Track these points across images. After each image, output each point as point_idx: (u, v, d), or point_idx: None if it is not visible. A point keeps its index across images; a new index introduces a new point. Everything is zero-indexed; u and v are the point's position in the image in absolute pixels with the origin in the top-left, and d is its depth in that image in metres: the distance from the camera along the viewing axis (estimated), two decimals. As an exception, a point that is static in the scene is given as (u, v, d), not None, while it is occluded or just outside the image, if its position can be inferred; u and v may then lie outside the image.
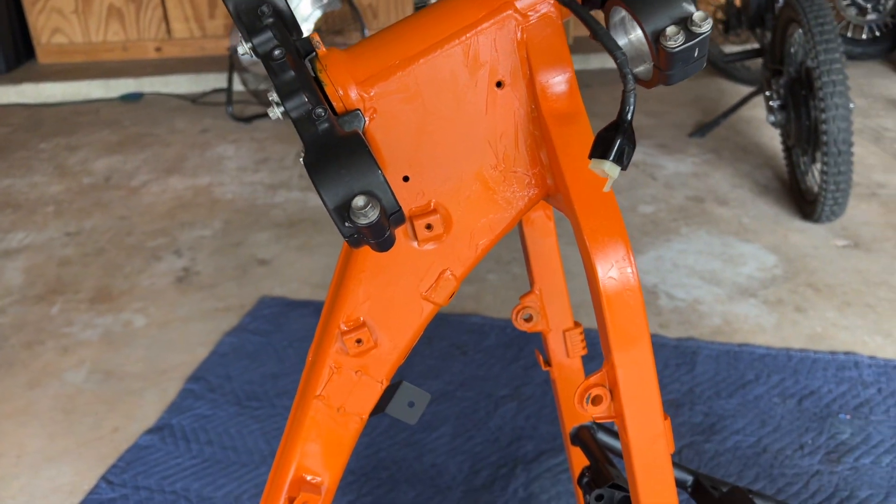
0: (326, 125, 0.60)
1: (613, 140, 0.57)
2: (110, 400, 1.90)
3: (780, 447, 1.68)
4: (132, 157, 3.41)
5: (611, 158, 0.56)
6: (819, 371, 1.91)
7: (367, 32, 3.73)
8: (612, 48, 0.58)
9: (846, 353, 1.97)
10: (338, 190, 0.56)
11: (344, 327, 0.72)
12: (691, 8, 0.57)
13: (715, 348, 2.01)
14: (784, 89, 2.64)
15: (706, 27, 0.56)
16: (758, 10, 3.07)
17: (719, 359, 1.97)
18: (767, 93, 2.75)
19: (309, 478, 0.75)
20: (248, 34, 0.65)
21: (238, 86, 3.87)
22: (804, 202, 2.64)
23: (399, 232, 0.71)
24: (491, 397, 1.87)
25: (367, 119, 0.66)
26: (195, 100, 4.12)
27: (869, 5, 4.30)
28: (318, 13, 3.59)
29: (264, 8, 0.65)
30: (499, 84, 0.68)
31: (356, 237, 0.58)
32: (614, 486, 0.85)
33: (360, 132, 0.63)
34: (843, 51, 2.32)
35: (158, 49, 4.57)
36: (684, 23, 0.56)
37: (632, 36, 0.63)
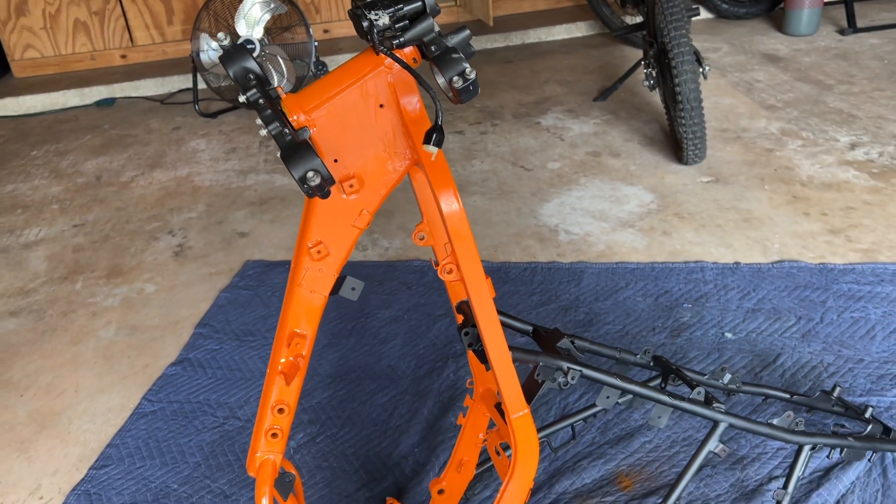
0: (290, 137, 1.18)
1: (432, 134, 1.15)
2: (139, 346, 2.47)
3: (638, 330, 2.32)
4: (117, 157, 3.92)
5: (432, 143, 1.15)
6: (673, 277, 2.55)
7: (311, 29, 4.25)
8: (427, 89, 1.17)
9: (695, 262, 2.61)
10: (299, 169, 1.14)
11: (310, 245, 1.31)
12: (466, 65, 1.15)
13: (598, 267, 2.63)
14: (654, 58, 3.25)
15: (473, 76, 1.14)
16: (636, -9, 3.67)
17: (600, 274, 2.59)
18: (644, 61, 3.36)
19: (298, 330, 1.35)
20: (243, 90, 1.22)
21: (202, 85, 4.38)
22: (679, 149, 3.27)
23: (336, 190, 1.29)
24: (430, 317, 2.47)
25: (311, 131, 1.24)
26: (163, 101, 4.62)
27: (750, -29, 4.93)
28: (267, 16, 4.12)
29: (250, 75, 1.23)
30: (381, 105, 1.26)
31: (310, 193, 1.16)
32: (473, 325, 1.46)
33: (308, 139, 1.21)
34: (689, 27, 2.93)
35: (124, 56, 5.03)
36: (462, 73, 1.15)
37: (440, 79, 1.21)
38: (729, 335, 2.26)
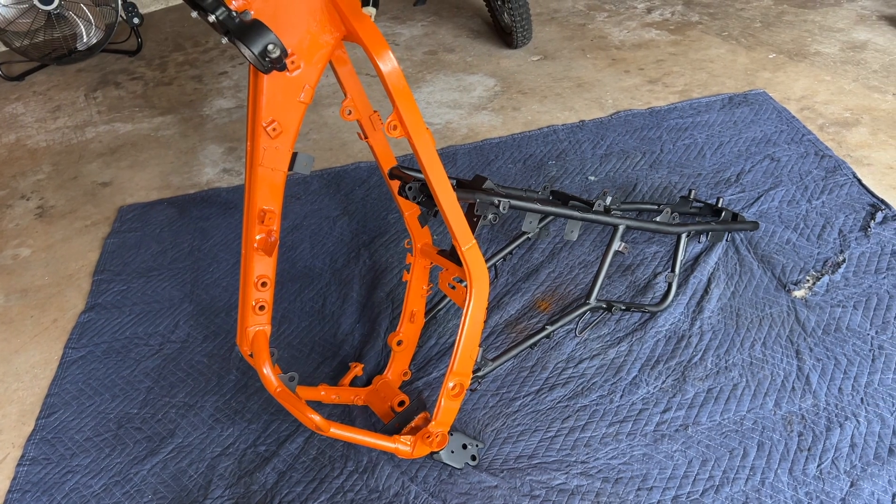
0: (238, 20, 1.28)
1: (370, -3, 1.30)
2: (38, 305, 2.40)
3: (517, 190, 2.61)
4: (-77, 136, 3.56)
5: (370, 4, 1.30)
6: (533, 142, 2.85)
7: (111, -29, 4.01)
8: (358, -43, 1.31)
9: (548, 127, 2.93)
10: (258, 45, 1.25)
11: (265, 125, 1.42)
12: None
13: (466, 147, 2.88)
14: (471, -47, 3.47)
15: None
16: None
17: (471, 153, 2.85)
18: (460, -42, 3.58)
19: (266, 207, 1.47)
20: (180, -17, 1.29)
21: (0, 47, 4.02)
22: (506, 35, 3.56)
23: (282, 73, 1.40)
24: (329, 218, 2.61)
25: (251, 13, 1.33)
26: (-47, 72, 4.19)
27: None
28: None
29: (184, -32, 1.29)
30: (308, -16, 1.38)
31: (270, 67, 1.28)
32: (415, 180, 1.65)
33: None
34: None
35: None
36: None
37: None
38: (592, 178, 2.61)
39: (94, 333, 2.25)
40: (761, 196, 2.37)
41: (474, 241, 1.59)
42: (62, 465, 1.86)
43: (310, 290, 2.30)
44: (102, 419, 1.96)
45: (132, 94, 3.69)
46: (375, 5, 1.29)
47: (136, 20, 4.08)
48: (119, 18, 4.07)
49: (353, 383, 1.93)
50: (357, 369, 1.93)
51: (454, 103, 3.19)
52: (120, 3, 4.04)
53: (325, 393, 1.82)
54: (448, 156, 2.83)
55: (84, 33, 3.99)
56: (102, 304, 2.36)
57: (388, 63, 1.40)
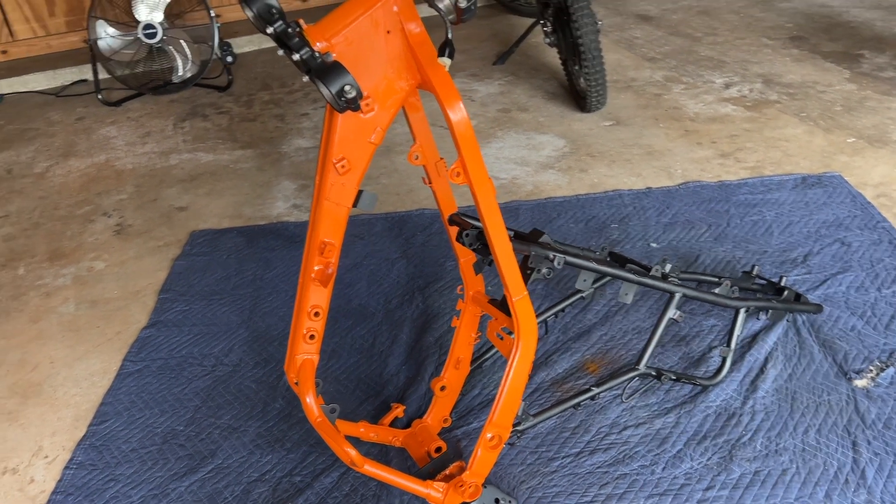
0: (320, 60, 1.35)
1: (444, 47, 1.36)
2: (105, 317, 2.51)
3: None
4: (23, 150, 3.81)
5: (446, 55, 1.35)
6: (597, 204, 2.86)
7: (212, 12, 4.26)
8: (438, 9, 1.37)
9: (613, 191, 2.93)
10: (336, 84, 1.31)
11: (335, 161, 1.48)
12: (468, -10, 1.36)
13: (530, 203, 2.91)
14: (552, 17, 3.56)
15: (475, -3, 1.35)
16: (527, -42, 3.97)
17: (534, 209, 2.87)
18: (542, 21, 3.67)
19: (327, 240, 1.51)
20: (266, 24, 1.37)
21: (103, 74, 4.30)
22: (580, 99, 3.60)
23: (356, 113, 1.46)
24: (388, 260, 2.66)
25: (333, 55, 1.40)
26: (58, 94, 4.48)
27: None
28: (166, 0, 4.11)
29: (273, 10, 1.38)
30: (388, 31, 1.45)
31: (345, 106, 1.34)
32: (473, 227, 1.68)
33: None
34: (584, -15, 3.25)
35: (4, 52, 4.82)
36: (466, -5, 1.36)
37: (447, 1, 1.42)
38: (654, 245, 2.59)
39: (152, 349, 2.33)
40: (828, 279, 2.31)
41: (526, 292, 1.59)
42: (106, 472, 1.91)
43: (361, 328, 2.33)
44: (149, 432, 2.02)
45: (217, 127, 3.87)
46: (451, 56, 1.35)
47: (229, 58, 4.30)
48: (214, 56, 4.30)
49: (393, 424, 1.94)
50: (398, 410, 1.94)
51: (522, 160, 3.24)
52: (217, 41, 4.27)
53: (364, 430, 1.83)
54: (511, 210, 2.86)
55: (180, 67, 4.24)
56: (164, 321, 2.44)
57: (458, 112, 1.45)
